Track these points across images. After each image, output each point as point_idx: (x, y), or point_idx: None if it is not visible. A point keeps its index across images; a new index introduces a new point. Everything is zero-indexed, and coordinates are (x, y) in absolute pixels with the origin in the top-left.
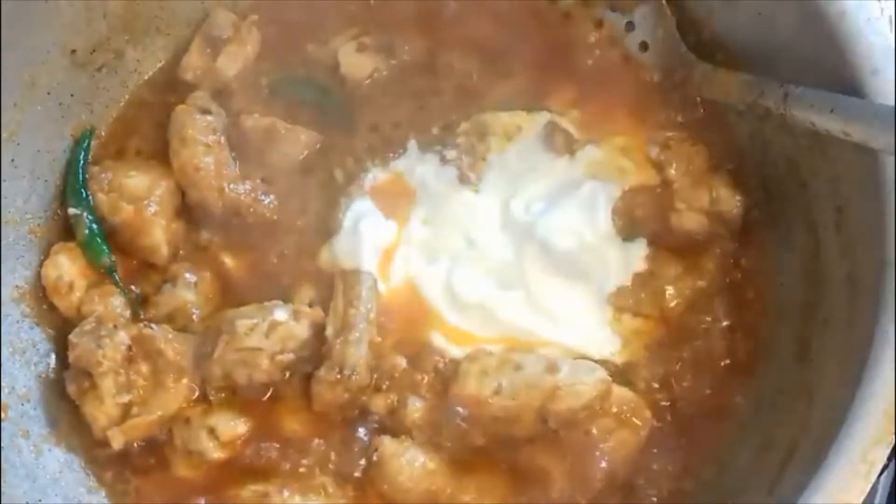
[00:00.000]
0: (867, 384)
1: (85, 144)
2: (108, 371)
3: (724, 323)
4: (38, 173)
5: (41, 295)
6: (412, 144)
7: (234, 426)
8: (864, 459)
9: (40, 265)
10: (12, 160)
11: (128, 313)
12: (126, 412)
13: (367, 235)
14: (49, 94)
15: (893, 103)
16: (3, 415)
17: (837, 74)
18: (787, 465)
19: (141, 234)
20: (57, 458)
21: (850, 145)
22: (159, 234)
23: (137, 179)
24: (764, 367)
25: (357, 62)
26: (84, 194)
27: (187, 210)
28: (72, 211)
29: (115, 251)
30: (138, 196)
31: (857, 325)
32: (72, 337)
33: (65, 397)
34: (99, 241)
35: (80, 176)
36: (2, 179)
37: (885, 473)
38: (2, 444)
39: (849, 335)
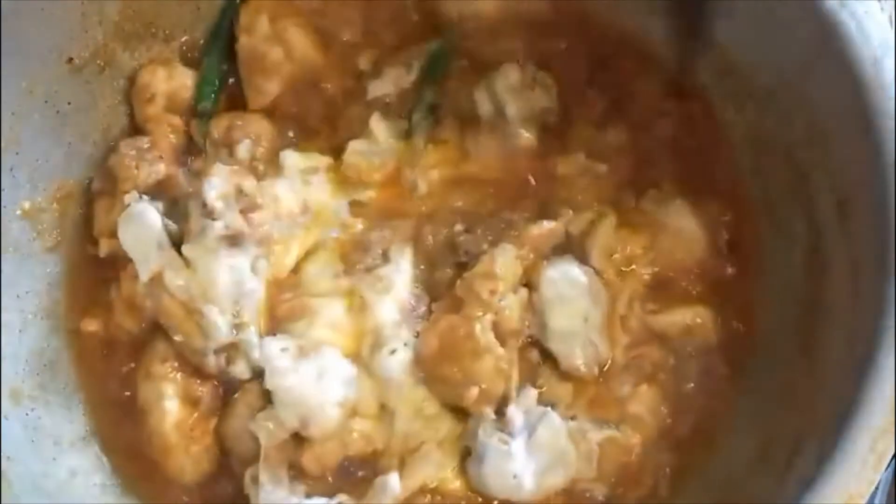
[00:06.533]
0: (871, 376)
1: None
2: (132, 189)
3: (727, 318)
4: (36, 181)
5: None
6: None
7: None
8: (873, 450)
9: None
10: (10, 169)
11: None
12: None
13: None
14: (46, 102)
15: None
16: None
17: (838, 73)
18: (794, 457)
19: (267, 79)
20: (66, 463)
21: (852, 137)
22: (275, 87)
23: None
24: (767, 361)
25: (516, 96)
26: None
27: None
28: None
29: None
30: (300, 61)
31: (860, 316)
32: (122, 144)
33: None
34: (217, 86)
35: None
36: (2, 188)
37: (886, 472)
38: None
39: (852, 327)
